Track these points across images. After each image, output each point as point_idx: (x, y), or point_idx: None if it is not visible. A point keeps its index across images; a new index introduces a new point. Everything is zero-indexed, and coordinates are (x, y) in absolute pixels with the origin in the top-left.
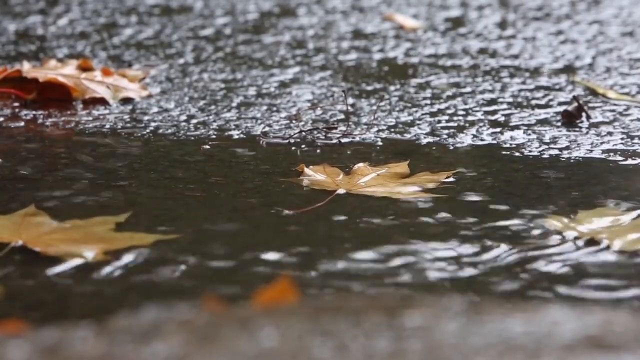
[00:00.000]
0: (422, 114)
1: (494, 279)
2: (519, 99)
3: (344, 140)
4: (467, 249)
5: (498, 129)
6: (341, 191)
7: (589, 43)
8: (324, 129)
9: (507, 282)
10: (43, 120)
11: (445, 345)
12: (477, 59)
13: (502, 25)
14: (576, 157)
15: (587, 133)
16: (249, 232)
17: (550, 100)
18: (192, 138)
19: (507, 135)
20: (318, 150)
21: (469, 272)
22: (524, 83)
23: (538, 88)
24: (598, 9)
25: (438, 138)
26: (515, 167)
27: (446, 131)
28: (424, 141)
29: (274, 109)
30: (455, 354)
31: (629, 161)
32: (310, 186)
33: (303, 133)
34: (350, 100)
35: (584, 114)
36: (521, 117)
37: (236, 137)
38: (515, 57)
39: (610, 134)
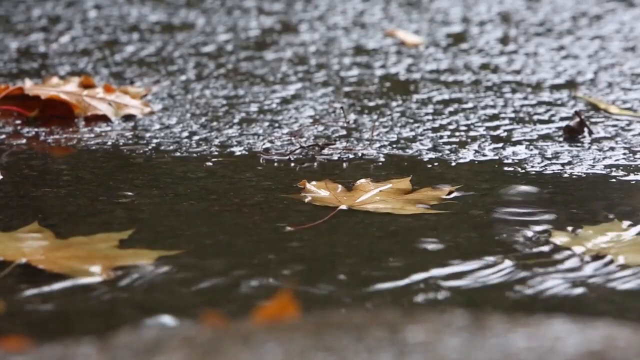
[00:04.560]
0: (424, 130)
1: (496, 294)
2: (521, 115)
3: (345, 156)
4: (470, 264)
5: (500, 145)
6: (343, 207)
7: (590, 58)
8: (326, 145)
9: (510, 298)
10: (45, 138)
11: None
12: (478, 74)
13: (504, 40)
14: (578, 172)
15: (589, 148)
16: (251, 249)
17: (552, 115)
18: (194, 154)
19: (509, 150)
20: (320, 167)
21: (471, 287)
22: (525, 98)
23: (540, 103)
24: (600, 24)
25: (440, 154)
26: (517, 182)
27: (448, 147)
28: (426, 157)
29: (276, 125)
30: None
31: (632, 176)
32: (312, 202)
33: (305, 149)
34: (352, 117)
35: (586, 130)
36: (523, 133)
37: (238, 153)
38: (517, 72)
39: (612, 149)
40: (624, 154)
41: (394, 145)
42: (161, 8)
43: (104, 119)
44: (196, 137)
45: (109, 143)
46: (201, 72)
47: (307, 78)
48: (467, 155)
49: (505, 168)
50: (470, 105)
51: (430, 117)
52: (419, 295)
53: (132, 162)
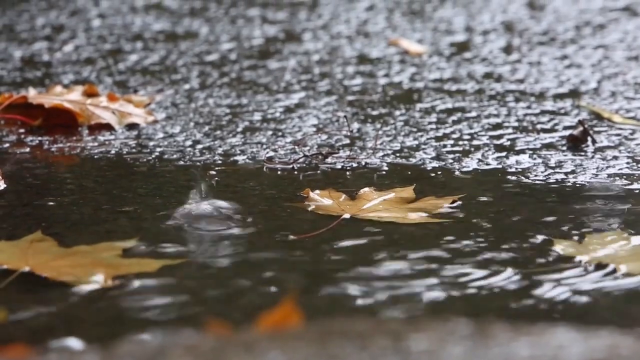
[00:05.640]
0: (428, 139)
1: (500, 302)
2: (525, 123)
3: (349, 165)
4: (473, 273)
5: (504, 154)
6: (347, 216)
7: (594, 67)
8: (329, 154)
9: (513, 306)
10: (49, 146)
11: None
12: (482, 83)
13: (507, 49)
14: (582, 181)
15: (592, 157)
16: (254, 257)
17: (556, 124)
18: (198, 163)
19: (513, 159)
20: (323, 175)
21: (475, 296)
22: (529, 107)
23: (543, 112)
24: (603, 33)
25: (443, 162)
26: (521, 191)
27: (452, 156)
28: (430, 166)
29: (280, 134)
30: None
31: (635, 185)
32: (316, 211)
33: (308, 158)
34: (356, 125)
35: (589, 138)
36: (527, 142)
37: (241, 162)
38: (521, 81)
39: (615, 158)
40: (628, 162)
41: (398, 154)
42: (165, 17)
43: (108, 127)
44: (200, 146)
45: (113, 152)
46: (205, 81)
47: (311, 87)
48: (471, 164)
49: (509, 177)
50: (473, 114)
51: (433, 126)
52: (422, 304)
53: (136, 170)
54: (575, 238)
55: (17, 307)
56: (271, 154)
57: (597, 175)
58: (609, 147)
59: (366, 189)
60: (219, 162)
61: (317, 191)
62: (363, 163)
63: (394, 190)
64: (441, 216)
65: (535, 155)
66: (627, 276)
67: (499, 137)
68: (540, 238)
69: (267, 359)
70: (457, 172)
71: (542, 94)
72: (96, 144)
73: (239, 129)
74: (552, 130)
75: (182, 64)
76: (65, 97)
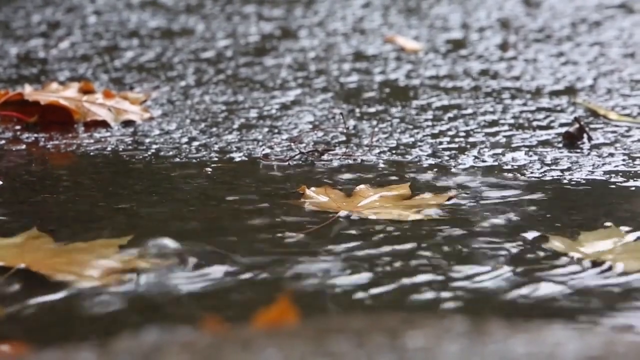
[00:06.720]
0: (424, 136)
1: (496, 300)
2: (520, 121)
3: (345, 162)
4: (469, 270)
5: (499, 151)
6: (343, 213)
7: (590, 65)
8: (325, 151)
9: (509, 303)
10: (45, 143)
11: None
12: (478, 80)
13: (503, 46)
14: (578, 178)
15: (588, 154)
16: (250, 254)
17: (552, 121)
18: (194, 160)
19: (509, 156)
20: (319, 172)
21: (471, 293)
22: (525, 104)
23: (539, 109)
24: (599, 30)
25: (439, 159)
26: (516, 188)
27: (447, 152)
28: (426, 163)
29: (275, 131)
30: None
31: (631, 182)
32: (312, 208)
33: (304, 155)
34: (352, 122)
35: (585, 136)
36: (522, 139)
37: (237, 159)
38: (517, 78)
39: (611, 155)
40: (623, 160)
41: (394, 151)
42: (161, 14)
43: (104, 124)
44: (196, 143)
45: (109, 149)
46: (201, 77)
47: (307, 84)
48: (467, 161)
49: (505, 174)
50: (469, 111)
51: (429, 123)
52: (418, 301)
53: (132, 167)
54: (571, 235)
55: (13, 304)
56: (267, 151)
57: (593, 172)
58: (605, 144)
59: (362, 186)
60: (215, 159)
61: (313, 188)
62: (359, 160)
63: (390, 187)
64: (437, 213)
65: (531, 152)
66: (623, 273)
67: (495, 134)
68: (536, 235)
69: (263, 356)
70: (453, 169)
71: (538, 91)
72: (92, 141)
73: (235, 126)
74: (548, 127)
75: (178, 61)
76: (61, 94)
